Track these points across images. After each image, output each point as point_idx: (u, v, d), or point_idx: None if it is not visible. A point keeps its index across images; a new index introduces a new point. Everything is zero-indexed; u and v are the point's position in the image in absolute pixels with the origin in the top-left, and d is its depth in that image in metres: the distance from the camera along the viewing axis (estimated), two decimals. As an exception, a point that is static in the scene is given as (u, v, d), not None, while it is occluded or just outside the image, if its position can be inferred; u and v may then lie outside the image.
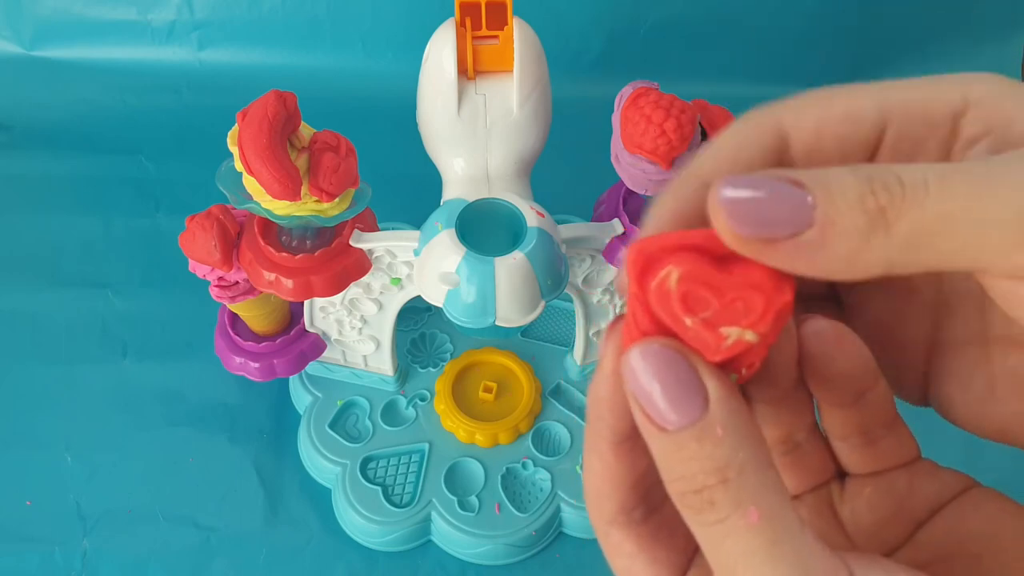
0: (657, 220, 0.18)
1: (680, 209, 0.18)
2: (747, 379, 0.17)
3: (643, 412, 0.17)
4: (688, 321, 0.16)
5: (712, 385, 0.16)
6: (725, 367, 0.17)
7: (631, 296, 0.17)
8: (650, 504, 0.19)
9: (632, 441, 0.18)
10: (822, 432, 0.22)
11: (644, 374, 0.16)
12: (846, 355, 0.19)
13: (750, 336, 0.16)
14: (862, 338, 0.20)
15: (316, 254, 0.44)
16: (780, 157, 0.18)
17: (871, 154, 0.18)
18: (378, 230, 0.47)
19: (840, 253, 0.15)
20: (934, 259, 0.15)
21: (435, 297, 0.42)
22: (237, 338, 0.52)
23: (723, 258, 0.16)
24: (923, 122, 0.17)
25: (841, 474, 0.22)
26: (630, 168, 0.41)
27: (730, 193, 0.15)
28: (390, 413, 0.54)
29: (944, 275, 0.21)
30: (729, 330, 0.16)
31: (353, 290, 0.48)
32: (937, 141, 0.18)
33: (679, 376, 0.16)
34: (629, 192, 0.46)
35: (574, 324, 0.53)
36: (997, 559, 0.20)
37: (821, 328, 0.19)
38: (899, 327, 0.22)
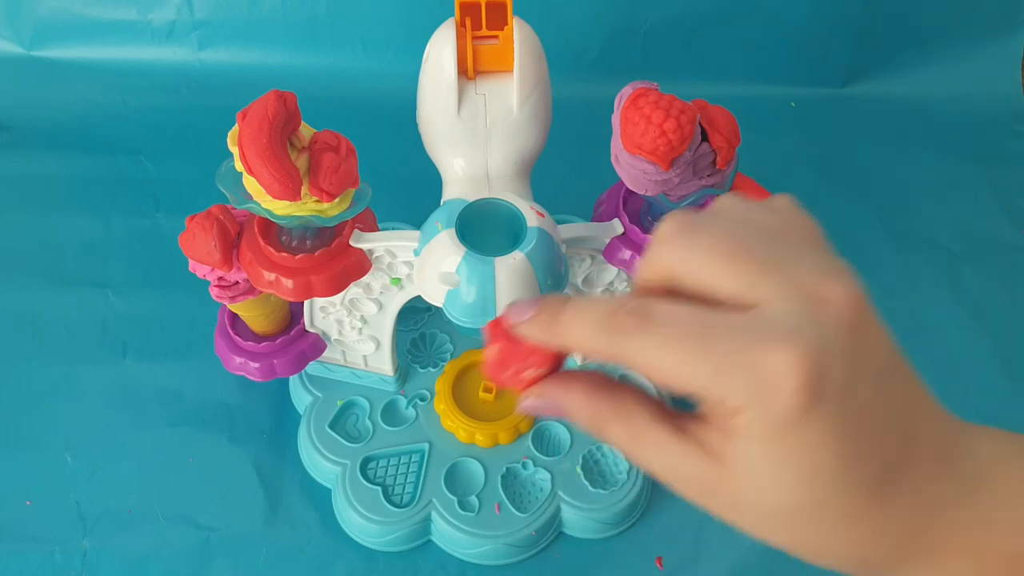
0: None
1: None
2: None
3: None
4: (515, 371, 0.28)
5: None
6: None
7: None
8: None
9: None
10: None
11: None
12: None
13: (539, 372, 0.28)
14: None
15: (316, 254, 0.44)
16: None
17: None
18: (378, 230, 0.47)
19: None
20: None
21: (435, 297, 0.42)
22: (237, 338, 0.52)
23: (529, 350, 0.28)
24: None
25: None
26: (630, 168, 0.41)
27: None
28: (390, 413, 0.54)
29: None
30: (528, 372, 0.28)
31: (353, 290, 0.48)
32: None
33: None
34: (629, 192, 0.46)
35: (574, 324, 0.53)
36: None
37: None
38: None
